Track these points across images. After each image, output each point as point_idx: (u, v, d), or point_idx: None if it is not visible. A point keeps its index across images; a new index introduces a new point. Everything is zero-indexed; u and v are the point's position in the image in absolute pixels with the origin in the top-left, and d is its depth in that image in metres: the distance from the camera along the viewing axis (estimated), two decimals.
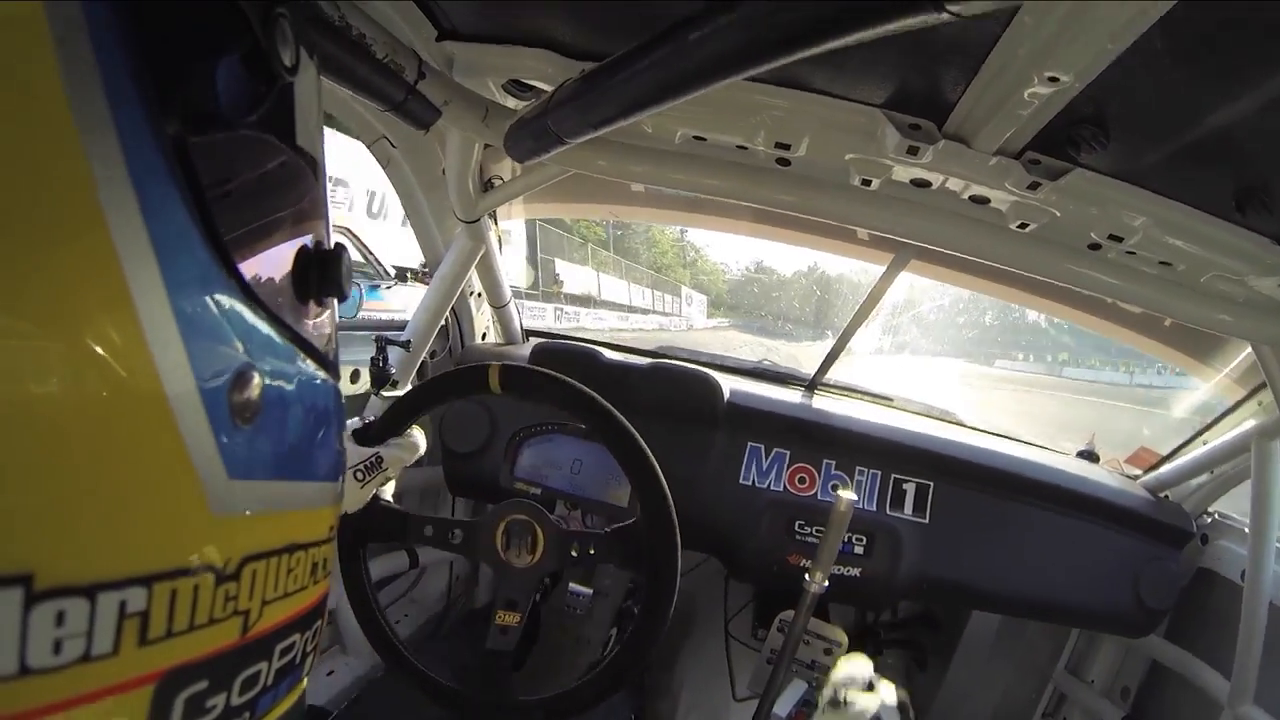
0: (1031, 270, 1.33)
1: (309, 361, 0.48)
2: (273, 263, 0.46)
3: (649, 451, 1.20)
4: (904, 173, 1.20)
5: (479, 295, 2.21)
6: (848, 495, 1.34)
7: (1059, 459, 2.17)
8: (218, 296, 0.39)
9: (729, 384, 2.06)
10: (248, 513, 0.41)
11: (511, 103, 1.24)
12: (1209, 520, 2.02)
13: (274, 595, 0.44)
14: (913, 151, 1.11)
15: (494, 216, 1.94)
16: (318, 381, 0.50)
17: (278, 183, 0.48)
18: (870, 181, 1.25)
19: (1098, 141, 1.01)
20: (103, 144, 0.32)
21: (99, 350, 0.32)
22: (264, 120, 0.45)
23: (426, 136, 1.61)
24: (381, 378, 1.74)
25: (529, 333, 2.45)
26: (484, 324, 2.30)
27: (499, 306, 2.28)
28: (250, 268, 0.41)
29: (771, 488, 1.96)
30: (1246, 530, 1.78)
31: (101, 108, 0.32)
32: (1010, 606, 2.04)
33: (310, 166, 0.50)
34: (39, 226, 0.30)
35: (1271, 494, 1.68)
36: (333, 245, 0.52)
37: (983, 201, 1.22)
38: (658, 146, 1.34)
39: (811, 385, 2.30)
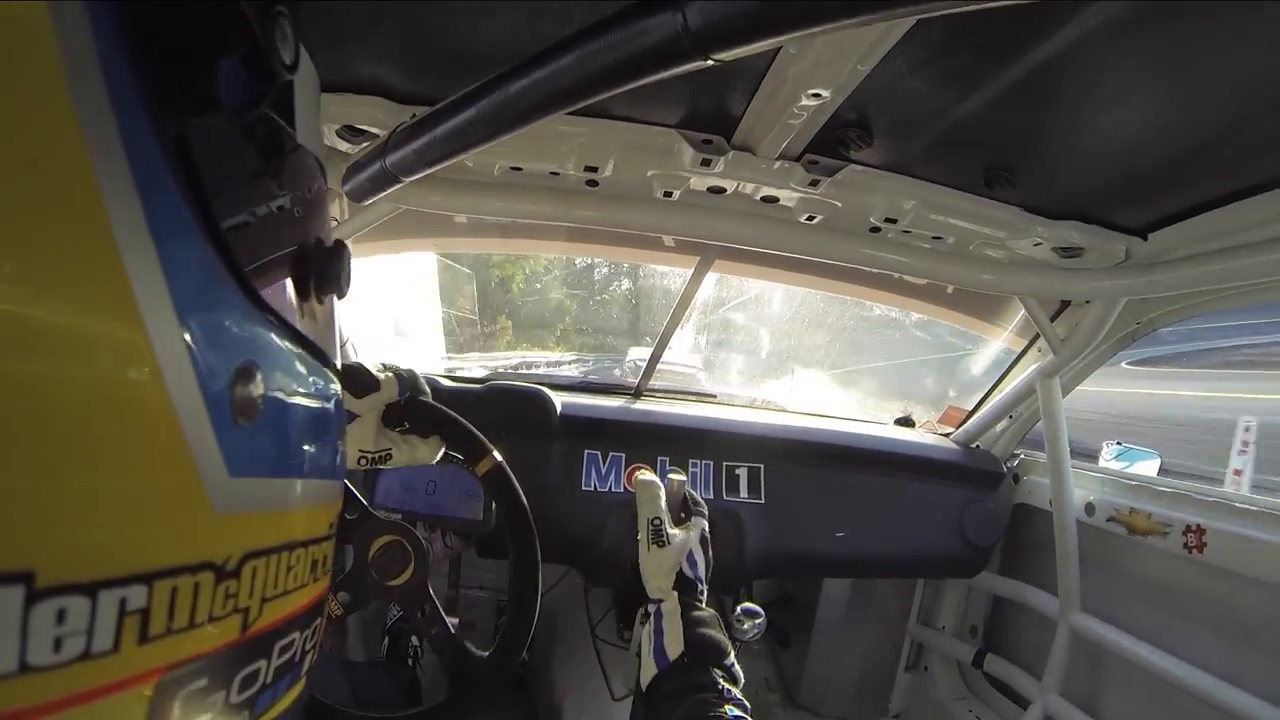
0: (823, 256, 1.47)
1: (310, 359, 0.48)
2: (273, 260, 0.45)
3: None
4: (700, 182, 1.30)
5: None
6: (678, 477, 1.40)
7: (877, 428, 2.37)
8: (219, 293, 0.38)
9: (559, 399, 2.11)
10: (249, 510, 0.41)
11: (344, 146, 1.25)
12: (1017, 461, 2.26)
13: (274, 593, 0.43)
14: (706, 163, 1.21)
15: None
16: (318, 379, 0.49)
17: (278, 180, 0.47)
18: (671, 193, 1.35)
19: (864, 141, 1.14)
20: (105, 141, 0.32)
21: (100, 346, 0.31)
22: (264, 118, 0.45)
23: None
24: None
25: None
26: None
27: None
28: (251, 265, 0.41)
29: (612, 490, 2.01)
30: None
31: (103, 104, 0.32)
32: (854, 568, 2.21)
33: (310, 164, 0.50)
34: (41, 223, 0.30)
35: (1059, 424, 1.90)
36: (332, 242, 0.52)
37: (772, 201, 1.34)
38: (480, 179, 1.39)
39: (637, 391, 2.39)
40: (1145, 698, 1.79)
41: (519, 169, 1.34)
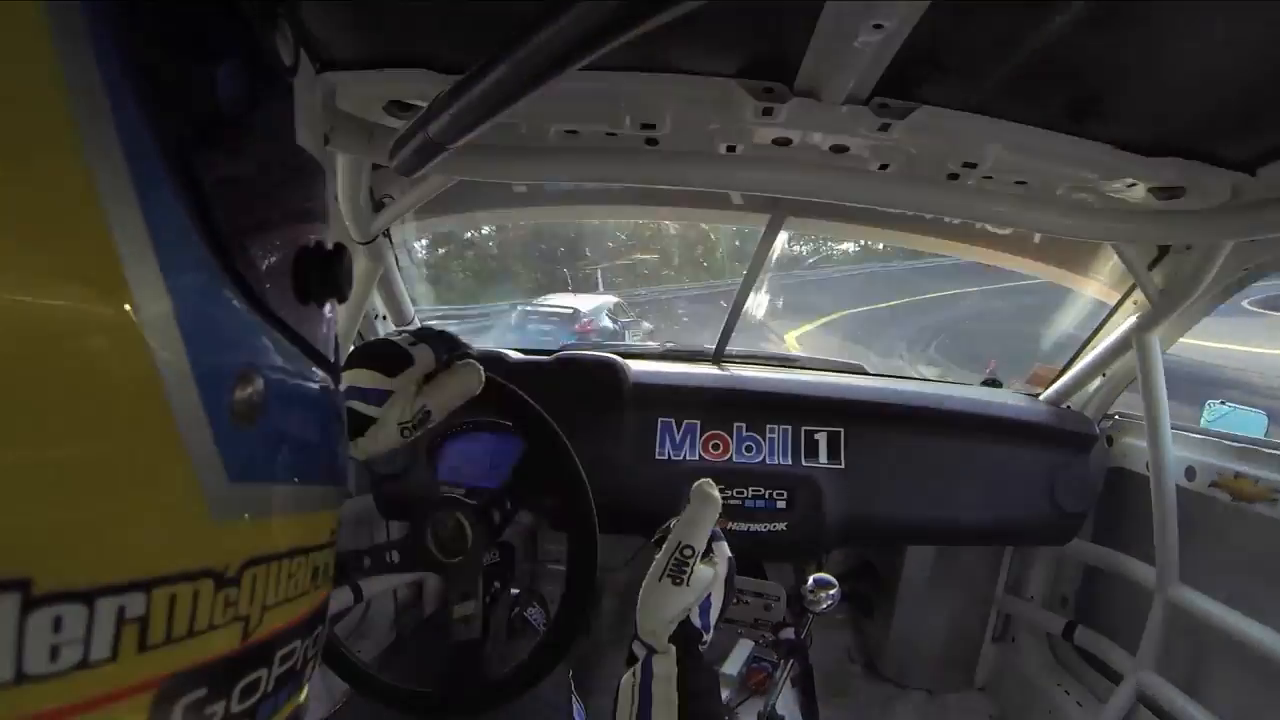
0: (899, 206, 1.39)
1: (310, 363, 0.48)
2: (273, 263, 0.45)
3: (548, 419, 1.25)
4: (764, 134, 1.24)
5: (383, 318, 2.19)
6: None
7: (962, 389, 2.28)
8: (218, 297, 0.38)
9: (634, 367, 2.09)
10: (248, 516, 0.41)
11: (392, 122, 1.24)
12: (1110, 422, 2.14)
13: (275, 601, 0.43)
14: (768, 113, 1.14)
15: (389, 235, 1.92)
16: (319, 384, 0.49)
17: (278, 183, 0.47)
18: (735, 147, 1.30)
19: (936, 78, 1.06)
20: (103, 143, 0.32)
21: (98, 351, 0.31)
22: (264, 119, 0.45)
23: None
24: None
25: None
26: None
27: (403, 326, 2.24)
28: (251, 268, 0.41)
29: (687, 458, 2.01)
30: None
31: (102, 106, 0.32)
32: (939, 536, 2.14)
33: (311, 166, 0.50)
34: (39, 226, 0.30)
35: (1157, 383, 1.79)
36: (333, 246, 0.52)
37: (842, 150, 1.27)
38: (534, 145, 1.36)
39: (716, 358, 2.35)
40: (1248, 677, 1.68)
41: (574, 131, 1.31)
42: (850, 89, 1.09)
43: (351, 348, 2.14)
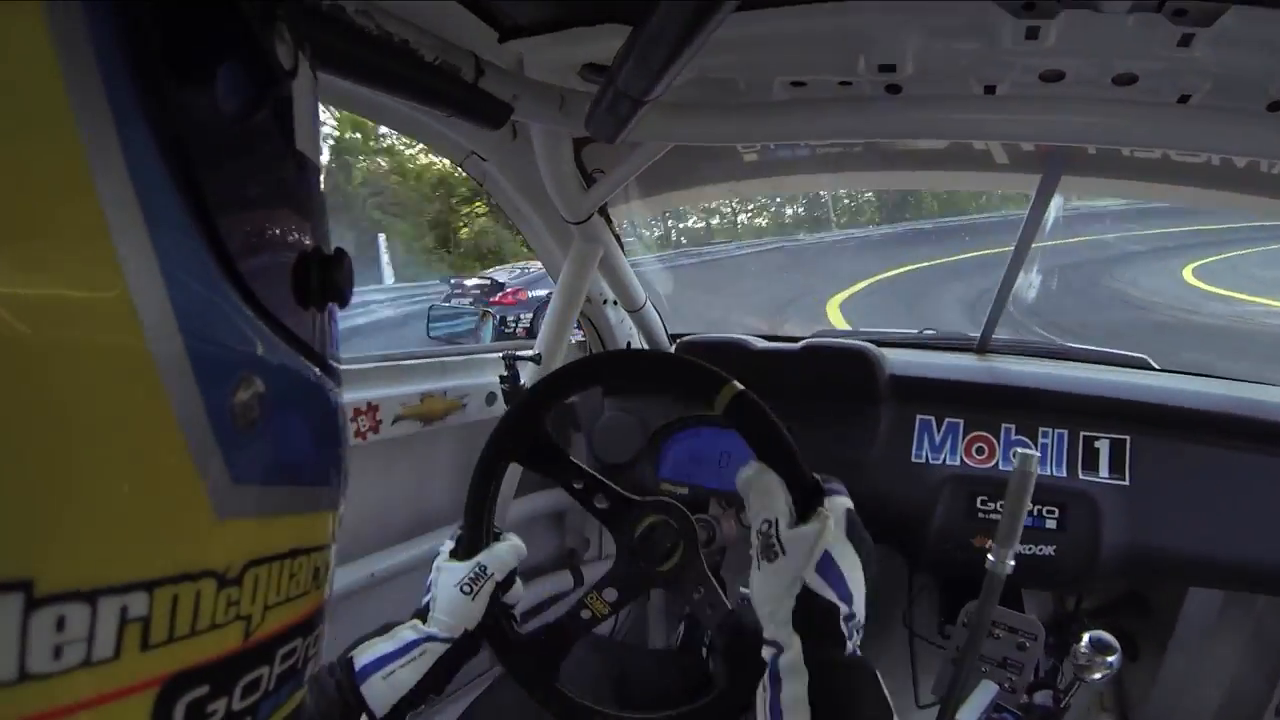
0: (1205, 148, 1.16)
1: (311, 366, 0.48)
2: (274, 266, 0.46)
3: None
4: (1030, 65, 1.07)
5: (614, 302, 2.18)
6: (1029, 453, 1.19)
7: (1273, 391, 1.87)
8: (220, 300, 0.39)
9: (889, 356, 1.93)
10: (251, 517, 0.42)
11: (587, 88, 1.22)
12: None
13: (276, 600, 0.44)
14: (1032, 35, 0.98)
15: (607, 216, 1.89)
16: (320, 386, 0.50)
17: (277, 186, 0.49)
18: (994, 87, 1.14)
19: None
20: (104, 146, 0.33)
21: (99, 352, 0.32)
22: (263, 122, 0.46)
23: (517, 144, 1.61)
24: (516, 396, 1.75)
25: (673, 336, 2.38)
26: (627, 332, 2.26)
27: (633, 310, 2.22)
28: (251, 271, 0.42)
29: (947, 462, 1.81)
30: None
31: (103, 109, 0.33)
32: (1235, 578, 1.73)
33: (309, 169, 0.51)
34: (40, 228, 0.31)
35: None
36: (333, 250, 0.53)
37: (1129, 80, 1.07)
38: (756, 101, 1.28)
39: (980, 347, 2.13)
40: None
41: (801, 83, 1.21)
42: None
43: (577, 335, 2.21)
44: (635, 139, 1.34)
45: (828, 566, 0.77)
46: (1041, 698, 1.67)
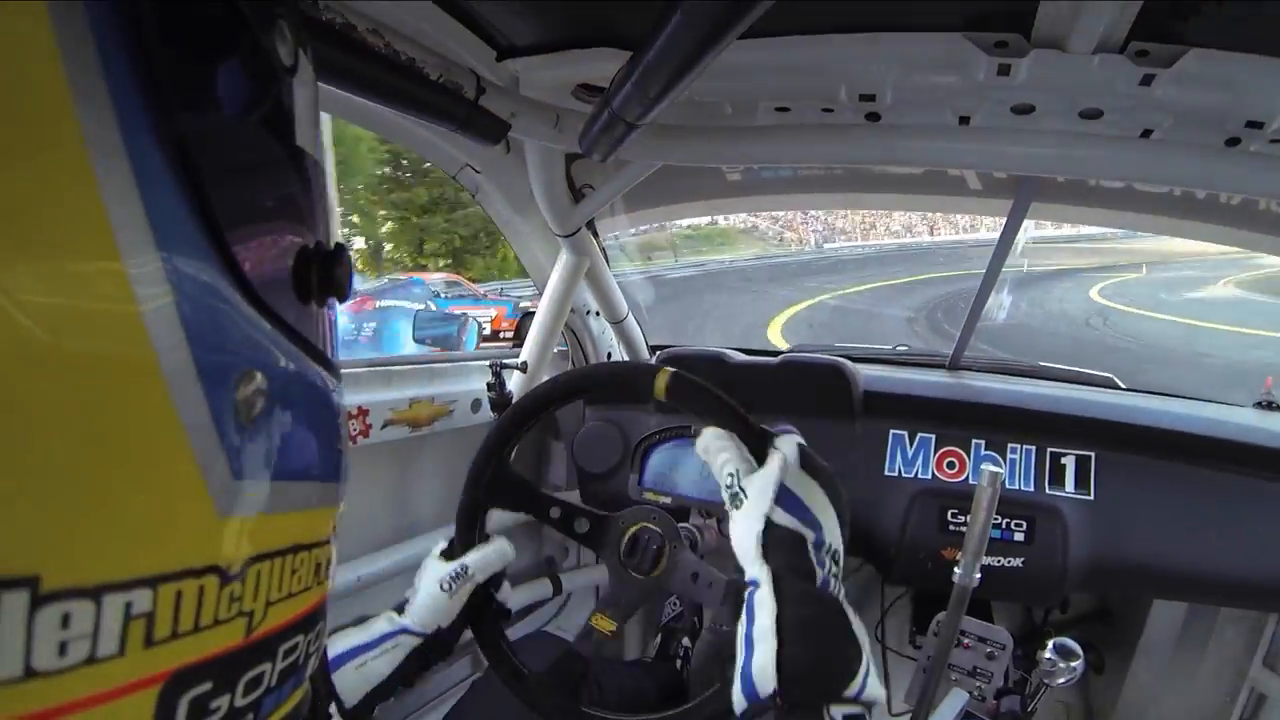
0: (1165, 180, 1.21)
1: (312, 362, 0.48)
2: (274, 263, 0.46)
3: None
4: (1003, 99, 1.12)
5: (597, 314, 2.21)
6: (993, 470, 1.24)
7: (1233, 411, 1.95)
8: (220, 295, 0.39)
9: (863, 372, 1.97)
10: (252, 513, 0.42)
11: (580, 107, 1.25)
12: None
13: (278, 596, 0.44)
14: (1004, 71, 1.03)
15: (594, 229, 1.94)
16: (321, 382, 0.50)
17: (277, 183, 0.48)
18: (968, 118, 1.19)
19: (1207, 10, 0.90)
20: (106, 141, 0.33)
21: (101, 350, 0.32)
22: (263, 120, 0.46)
23: (510, 158, 1.65)
24: (502, 403, 1.78)
25: (654, 348, 2.42)
26: (609, 343, 2.29)
27: (615, 322, 2.25)
28: (251, 267, 0.42)
29: (919, 476, 1.85)
30: None
31: (106, 105, 0.33)
32: (1198, 591, 1.79)
33: (309, 166, 0.51)
34: (41, 226, 0.31)
35: None
36: (333, 246, 0.53)
37: (1095, 115, 1.12)
38: (741, 125, 1.32)
39: (952, 364, 2.18)
40: None
41: (785, 109, 1.25)
42: (1101, 33, 0.95)
43: (561, 345, 2.23)
44: (626, 158, 1.37)
45: (787, 498, 0.83)
46: (1009, 703, 1.71)
